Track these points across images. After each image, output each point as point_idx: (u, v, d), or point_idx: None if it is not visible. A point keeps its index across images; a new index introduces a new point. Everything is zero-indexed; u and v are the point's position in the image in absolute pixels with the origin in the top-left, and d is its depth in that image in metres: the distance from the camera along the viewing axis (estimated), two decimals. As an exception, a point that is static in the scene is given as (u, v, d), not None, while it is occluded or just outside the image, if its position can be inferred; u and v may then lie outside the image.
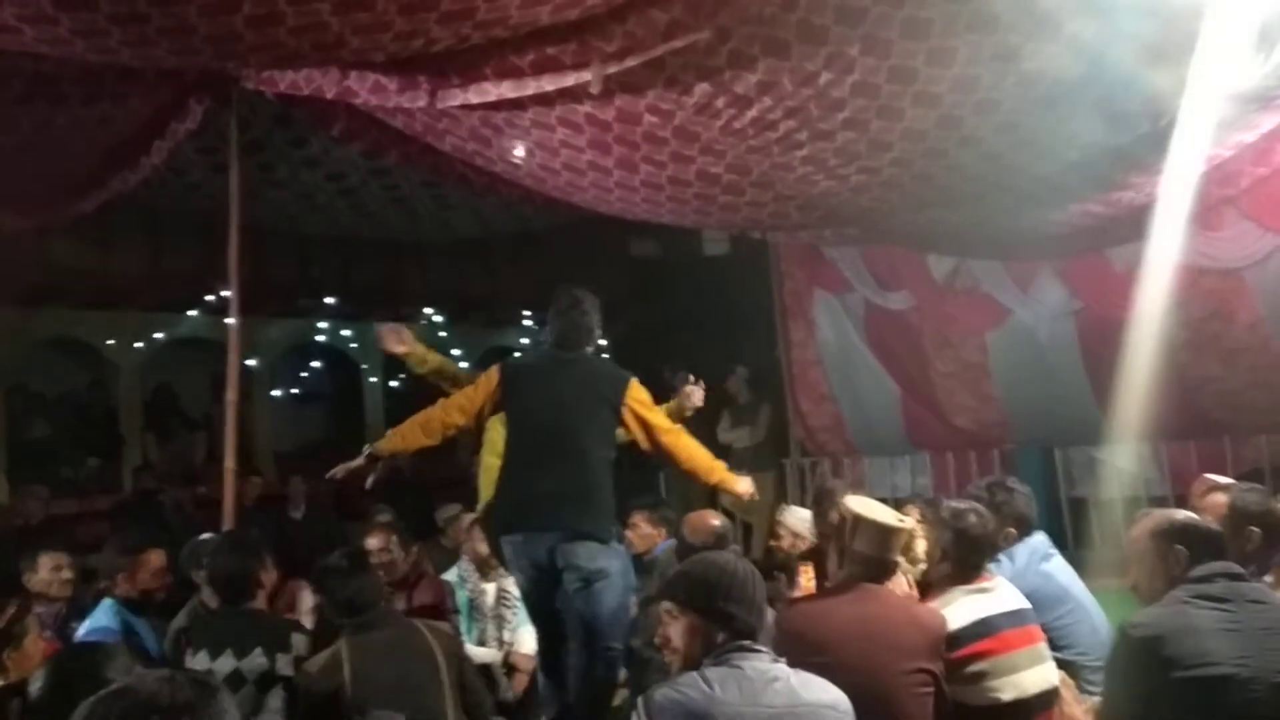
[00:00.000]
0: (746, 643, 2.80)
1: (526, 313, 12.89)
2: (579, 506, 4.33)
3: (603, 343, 11.75)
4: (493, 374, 4.61)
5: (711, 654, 2.80)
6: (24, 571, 5.39)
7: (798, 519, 5.24)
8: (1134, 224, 5.98)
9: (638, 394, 4.50)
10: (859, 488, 5.53)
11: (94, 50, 3.92)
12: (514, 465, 4.55)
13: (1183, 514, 3.26)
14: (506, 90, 4.35)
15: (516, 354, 6.42)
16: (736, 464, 8.99)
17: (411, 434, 4.59)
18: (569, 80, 4.21)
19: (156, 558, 4.94)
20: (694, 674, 2.76)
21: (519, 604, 5.52)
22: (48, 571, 5.36)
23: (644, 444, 4.52)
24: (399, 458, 4.83)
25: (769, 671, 2.75)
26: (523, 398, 4.55)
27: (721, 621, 2.82)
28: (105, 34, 3.68)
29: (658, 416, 4.56)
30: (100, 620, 4.62)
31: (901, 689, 3.21)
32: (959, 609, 3.48)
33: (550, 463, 4.39)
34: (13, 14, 3.46)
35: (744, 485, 4.69)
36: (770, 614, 3.69)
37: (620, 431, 4.55)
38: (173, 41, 3.81)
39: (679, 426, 4.66)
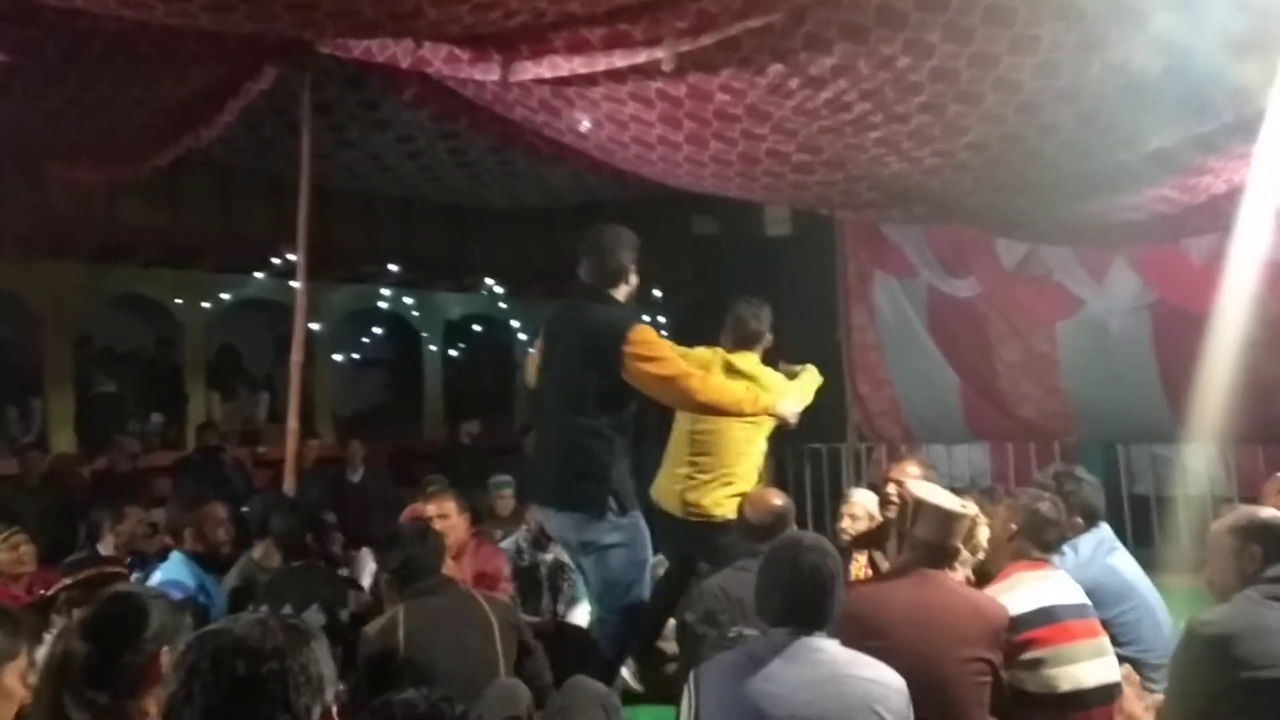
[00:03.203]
0: (796, 628, 2.87)
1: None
2: (564, 481, 4.20)
3: (662, 319, 11.83)
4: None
5: None
6: (106, 520, 5.52)
7: (870, 500, 5.18)
8: (1213, 214, 5.85)
9: (637, 345, 4.05)
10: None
11: (174, 15, 3.97)
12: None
13: (1268, 512, 3.15)
14: (578, 65, 4.33)
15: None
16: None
17: None
18: (641, 57, 4.17)
19: (219, 510, 5.04)
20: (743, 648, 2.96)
21: (575, 575, 5.57)
22: (134, 524, 5.52)
23: (655, 397, 4.16)
24: None
25: (817, 647, 2.84)
26: (542, 357, 4.45)
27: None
28: (186, -1, 3.71)
29: (665, 366, 4.07)
30: (172, 573, 4.71)
31: (959, 677, 3.19)
32: (1023, 594, 3.45)
33: (545, 433, 4.32)
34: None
35: (788, 406, 4.35)
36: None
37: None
38: (252, 7, 3.85)
39: (695, 370, 4.18)
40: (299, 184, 5.94)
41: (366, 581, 5.02)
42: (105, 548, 5.41)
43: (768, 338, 5.02)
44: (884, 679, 2.82)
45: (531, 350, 4.71)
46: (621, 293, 4.35)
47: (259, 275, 10.81)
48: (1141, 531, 7.88)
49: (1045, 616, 3.41)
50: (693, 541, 4.83)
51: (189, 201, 9.83)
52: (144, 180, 8.02)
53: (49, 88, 5.51)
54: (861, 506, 5.11)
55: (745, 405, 4.22)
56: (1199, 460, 7.99)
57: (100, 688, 2.26)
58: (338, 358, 12.42)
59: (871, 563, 4.73)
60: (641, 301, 4.50)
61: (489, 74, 4.60)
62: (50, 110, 5.88)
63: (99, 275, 10.10)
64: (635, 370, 4.05)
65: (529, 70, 4.50)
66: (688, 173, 5.72)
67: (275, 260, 10.09)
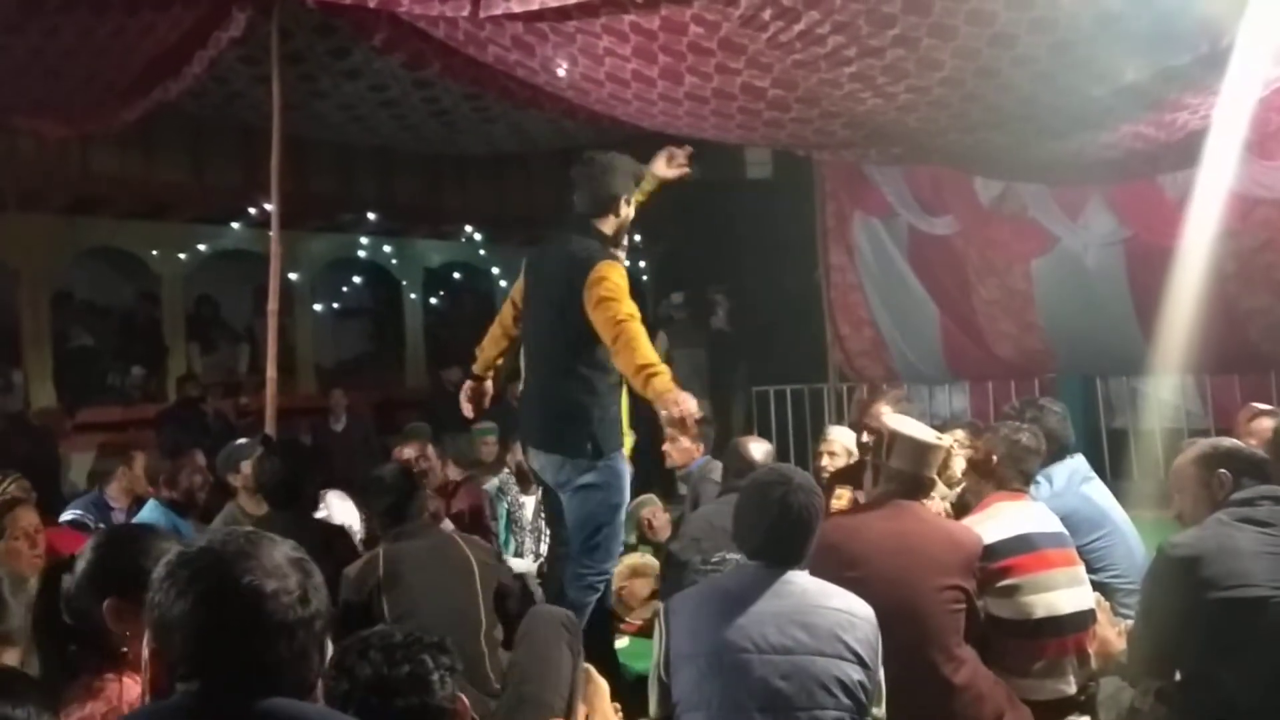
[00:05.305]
0: (772, 563, 2.90)
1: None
2: (544, 423, 4.15)
3: (642, 264, 11.80)
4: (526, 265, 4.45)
5: None
6: (119, 470, 5.57)
7: (848, 436, 5.22)
8: (1188, 150, 5.83)
9: (596, 281, 3.79)
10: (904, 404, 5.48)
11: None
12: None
13: (1228, 441, 3.23)
14: (550, -1, 4.28)
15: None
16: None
17: (488, 345, 4.58)
18: (612, -13, 4.13)
19: (196, 459, 5.07)
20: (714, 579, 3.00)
21: (557, 516, 5.59)
22: (141, 467, 5.58)
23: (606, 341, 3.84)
24: (497, 368, 4.64)
25: (788, 580, 2.86)
26: (528, 294, 4.33)
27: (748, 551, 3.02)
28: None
29: (608, 308, 3.77)
30: (145, 519, 4.75)
31: (934, 605, 3.23)
32: (1001, 522, 3.50)
33: (532, 372, 4.24)
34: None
35: (680, 404, 3.61)
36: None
37: None
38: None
39: (628, 315, 3.79)
40: (271, 135, 5.87)
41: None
42: (112, 493, 5.45)
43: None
44: (852, 609, 2.84)
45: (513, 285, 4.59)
46: (609, 224, 4.13)
47: (235, 226, 10.74)
48: (1120, 466, 7.96)
49: (1023, 544, 3.47)
50: None
51: (162, 152, 9.71)
52: (116, 131, 7.92)
53: (9, 38, 5.41)
54: (840, 444, 5.15)
55: (639, 380, 3.73)
56: (1176, 394, 8.06)
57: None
58: (318, 308, 12.38)
59: (854, 501, 4.77)
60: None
61: (460, 10, 4.55)
62: (13, 65, 5.78)
63: (73, 228, 10.01)
64: (592, 310, 3.84)
65: (499, 5, 4.44)
66: (663, 112, 5.67)
67: (251, 210, 10.02)
